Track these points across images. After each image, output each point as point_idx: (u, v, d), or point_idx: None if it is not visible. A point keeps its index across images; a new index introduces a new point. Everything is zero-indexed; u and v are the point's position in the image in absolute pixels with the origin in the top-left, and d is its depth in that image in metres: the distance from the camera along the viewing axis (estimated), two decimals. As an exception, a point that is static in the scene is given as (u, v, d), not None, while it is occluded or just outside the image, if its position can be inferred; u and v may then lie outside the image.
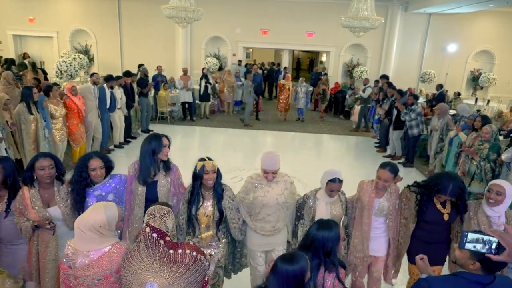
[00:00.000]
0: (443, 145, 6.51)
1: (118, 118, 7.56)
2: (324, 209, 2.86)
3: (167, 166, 2.87)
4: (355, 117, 10.55)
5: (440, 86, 10.26)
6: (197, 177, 2.70)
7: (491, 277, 1.77)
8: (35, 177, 2.61)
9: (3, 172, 2.60)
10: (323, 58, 18.49)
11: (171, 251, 1.90)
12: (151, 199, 2.79)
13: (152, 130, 9.03)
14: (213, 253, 2.82)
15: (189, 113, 10.51)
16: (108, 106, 7.09)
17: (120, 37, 14.22)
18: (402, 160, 7.76)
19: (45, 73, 10.42)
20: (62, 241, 2.53)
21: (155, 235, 1.90)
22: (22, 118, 5.06)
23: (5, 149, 4.66)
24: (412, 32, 13.91)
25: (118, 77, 7.63)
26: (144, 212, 2.75)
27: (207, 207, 2.74)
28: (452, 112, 8.60)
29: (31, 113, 5.19)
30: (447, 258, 3.04)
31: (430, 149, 7.03)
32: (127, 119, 8.00)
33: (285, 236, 3.06)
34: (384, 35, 13.85)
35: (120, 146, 7.76)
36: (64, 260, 1.98)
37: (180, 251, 1.92)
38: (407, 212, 2.95)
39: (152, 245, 1.88)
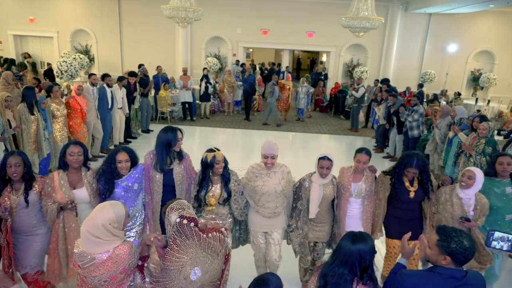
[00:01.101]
0: (442, 146, 6.53)
1: (119, 118, 7.58)
2: (317, 190, 3.19)
3: (180, 155, 3.22)
4: (358, 117, 10.55)
5: (420, 86, 10.30)
6: (209, 166, 3.03)
7: (464, 271, 1.88)
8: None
9: (23, 164, 2.77)
10: (323, 58, 18.49)
11: (204, 235, 2.06)
12: (169, 184, 3.16)
13: (152, 130, 9.05)
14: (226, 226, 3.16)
15: (189, 113, 10.52)
16: (110, 106, 7.09)
17: (121, 37, 14.22)
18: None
19: (51, 74, 10.36)
20: None
21: (192, 224, 2.02)
22: (23, 118, 5.06)
23: (6, 149, 4.65)
24: (412, 32, 13.91)
25: (122, 78, 7.63)
26: (162, 196, 3.14)
27: (216, 189, 3.10)
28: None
29: (32, 114, 5.19)
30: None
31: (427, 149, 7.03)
32: (127, 119, 8.01)
33: (283, 220, 3.36)
34: (384, 35, 13.84)
35: (120, 146, 7.78)
36: (75, 258, 2.01)
37: (210, 235, 2.09)
38: (382, 194, 3.32)
39: (193, 234, 2.00)
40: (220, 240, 2.14)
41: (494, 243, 2.23)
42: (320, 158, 3.16)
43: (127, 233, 3.14)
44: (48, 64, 11.64)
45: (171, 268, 1.97)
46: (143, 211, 3.23)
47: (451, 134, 6.13)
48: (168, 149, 3.10)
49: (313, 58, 23.49)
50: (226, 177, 3.13)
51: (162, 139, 3.08)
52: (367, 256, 1.96)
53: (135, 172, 3.10)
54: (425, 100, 10.44)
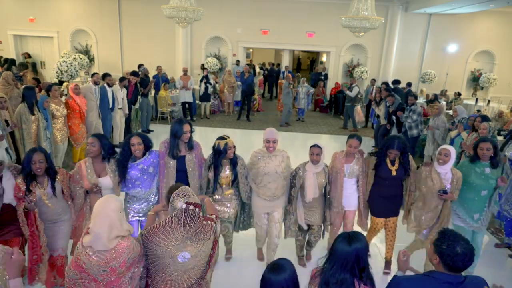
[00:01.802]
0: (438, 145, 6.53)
1: (119, 118, 7.57)
2: (312, 178, 3.54)
3: (191, 145, 3.53)
4: (356, 117, 10.54)
5: (408, 85, 10.34)
6: (222, 152, 3.43)
7: (462, 277, 1.83)
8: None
9: (45, 160, 3.01)
10: (324, 58, 18.48)
11: (204, 222, 2.20)
12: (181, 170, 3.49)
13: (152, 130, 9.04)
14: (226, 209, 3.59)
15: (189, 113, 10.52)
16: (111, 105, 7.10)
17: (121, 37, 14.22)
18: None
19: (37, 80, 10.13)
20: None
21: (197, 209, 2.12)
22: (24, 118, 5.05)
23: (6, 148, 4.64)
24: (413, 32, 13.90)
25: (123, 78, 7.63)
26: (176, 181, 3.39)
27: (226, 171, 3.52)
28: (450, 112, 8.60)
29: (33, 114, 5.18)
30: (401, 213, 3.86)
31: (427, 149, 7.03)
32: (127, 119, 8.01)
33: (283, 202, 3.74)
34: (384, 35, 13.84)
35: (120, 146, 7.77)
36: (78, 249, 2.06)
37: (206, 222, 2.23)
38: (369, 175, 3.72)
39: (195, 219, 2.11)
40: (211, 227, 2.25)
41: None
42: (311, 146, 3.54)
43: (139, 212, 3.51)
44: (41, 63, 11.58)
45: (161, 245, 2.09)
46: (157, 193, 3.53)
47: (453, 133, 6.10)
48: (175, 138, 3.41)
49: (313, 58, 23.48)
50: (234, 161, 3.54)
51: (171, 130, 3.44)
52: (364, 255, 1.95)
53: (150, 156, 3.43)
54: (425, 100, 10.45)
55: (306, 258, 4.04)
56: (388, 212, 3.76)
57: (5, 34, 14.14)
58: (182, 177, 3.46)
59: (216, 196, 3.58)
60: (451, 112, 8.61)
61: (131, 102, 8.21)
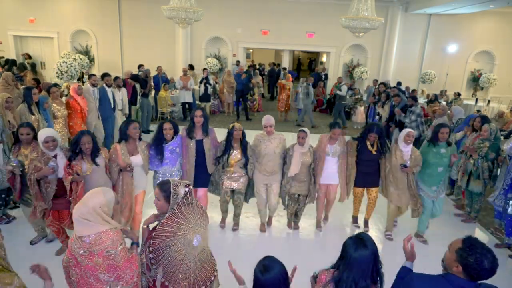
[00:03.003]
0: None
1: (120, 118, 7.57)
2: (297, 156, 4.30)
3: (205, 130, 4.27)
4: (357, 117, 10.53)
5: (398, 84, 10.37)
6: (230, 134, 4.24)
7: (476, 284, 1.80)
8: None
9: (92, 142, 3.59)
10: (324, 58, 18.50)
11: (201, 205, 2.35)
12: (200, 150, 4.25)
13: (152, 131, 9.04)
14: (239, 183, 4.39)
15: (189, 114, 10.50)
16: (112, 106, 7.10)
17: (121, 37, 14.24)
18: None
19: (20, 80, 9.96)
20: (137, 182, 3.99)
21: (193, 195, 2.28)
22: (24, 118, 5.03)
23: (3, 149, 4.63)
24: (413, 33, 13.91)
25: (115, 78, 7.60)
26: (195, 160, 4.22)
27: (236, 154, 4.29)
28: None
29: (33, 114, 5.17)
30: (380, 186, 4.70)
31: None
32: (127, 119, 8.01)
33: (280, 176, 4.49)
34: (384, 36, 13.85)
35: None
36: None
37: (202, 205, 2.37)
38: (351, 154, 4.52)
39: (192, 202, 2.24)
40: (205, 213, 2.37)
41: (510, 209, 3.22)
42: (299, 131, 4.33)
43: None
44: (41, 64, 11.52)
45: (177, 234, 2.15)
46: (180, 170, 4.27)
47: (458, 135, 6.08)
48: (193, 123, 4.18)
49: (313, 58, 23.47)
50: (244, 145, 4.30)
51: (190, 116, 4.28)
52: (378, 255, 1.91)
53: (177, 139, 4.17)
54: (449, 101, 10.40)
55: (294, 227, 4.84)
56: (367, 183, 4.63)
57: (5, 35, 14.16)
58: (201, 156, 4.26)
59: (229, 174, 4.37)
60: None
61: (131, 102, 8.22)
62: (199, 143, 4.23)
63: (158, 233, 2.16)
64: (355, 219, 4.98)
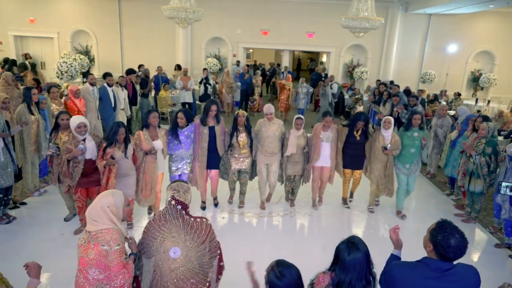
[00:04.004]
0: (442, 146, 6.50)
1: (121, 118, 7.57)
2: (293, 139, 5.00)
3: (218, 119, 4.95)
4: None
5: (391, 82, 10.36)
6: (235, 119, 4.94)
7: (452, 264, 1.91)
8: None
9: (125, 132, 4.12)
10: (324, 58, 18.49)
11: (192, 219, 2.27)
12: (212, 135, 4.89)
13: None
14: (244, 163, 5.07)
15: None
16: (113, 105, 7.09)
17: (121, 38, 14.24)
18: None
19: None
20: (158, 164, 4.60)
21: (179, 207, 2.24)
22: (23, 118, 5.03)
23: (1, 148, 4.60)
24: (413, 33, 13.91)
25: (106, 74, 7.57)
26: (208, 145, 4.86)
27: (242, 136, 4.97)
28: (451, 112, 8.59)
29: (32, 114, 5.17)
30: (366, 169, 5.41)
31: (427, 150, 7.01)
32: (128, 119, 8.00)
33: (279, 157, 5.16)
34: (384, 36, 13.85)
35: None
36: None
37: (198, 219, 2.30)
38: (341, 140, 5.19)
39: (177, 215, 2.23)
40: (206, 226, 2.29)
41: (502, 190, 3.50)
42: (295, 118, 5.01)
43: (182, 167, 4.84)
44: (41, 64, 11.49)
45: (155, 237, 2.20)
46: (192, 155, 4.92)
47: (453, 135, 6.09)
48: (207, 113, 4.79)
49: (314, 58, 23.46)
50: (248, 128, 4.99)
51: (204, 107, 4.89)
52: (369, 255, 2.00)
53: (191, 126, 4.81)
54: (449, 101, 10.41)
55: (290, 205, 5.52)
56: (353, 165, 5.31)
57: (5, 35, 14.16)
58: (213, 141, 4.90)
59: (236, 155, 5.01)
60: (452, 112, 8.60)
61: (131, 102, 8.22)
62: (212, 130, 4.88)
63: (150, 223, 2.26)
64: (344, 201, 5.65)
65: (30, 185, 5.32)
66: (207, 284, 2.32)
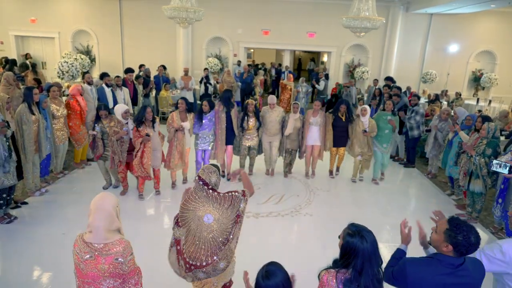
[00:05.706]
0: (441, 148, 6.49)
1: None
2: (292, 122, 6.19)
3: (232, 105, 6.08)
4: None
5: (388, 78, 10.30)
6: (245, 107, 6.16)
7: (462, 259, 1.97)
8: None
9: (152, 112, 5.24)
10: (324, 58, 18.47)
11: (215, 193, 2.62)
12: (228, 119, 6.03)
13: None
14: (253, 141, 6.29)
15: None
16: (112, 106, 7.09)
17: (122, 37, 14.24)
18: (404, 160, 7.76)
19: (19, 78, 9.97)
20: (186, 140, 5.78)
21: (201, 182, 2.63)
22: (24, 118, 5.02)
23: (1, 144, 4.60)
24: (414, 33, 13.89)
25: (103, 75, 7.57)
26: (226, 126, 6.02)
27: (251, 121, 6.13)
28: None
29: (33, 114, 5.17)
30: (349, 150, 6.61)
31: (427, 149, 7.00)
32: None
33: (279, 137, 6.35)
34: (385, 36, 13.83)
35: None
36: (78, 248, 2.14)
37: (221, 193, 2.64)
38: (328, 123, 6.34)
39: (202, 189, 2.62)
40: (233, 198, 2.64)
41: (493, 167, 3.55)
42: (293, 103, 6.28)
43: (203, 145, 5.99)
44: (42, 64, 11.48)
45: (189, 208, 2.62)
46: (214, 133, 6.03)
47: (450, 135, 6.10)
48: (228, 100, 6.01)
49: (313, 58, 23.45)
50: (257, 114, 6.17)
51: (222, 96, 6.10)
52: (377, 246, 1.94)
53: (213, 112, 5.94)
54: (427, 100, 10.38)
55: (284, 176, 6.71)
56: (339, 144, 6.48)
57: (6, 35, 14.17)
58: (229, 122, 6.04)
59: (247, 136, 6.21)
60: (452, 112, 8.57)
61: (133, 102, 8.21)
62: (228, 114, 6.04)
63: (186, 199, 2.67)
64: (330, 172, 6.87)
65: (31, 185, 5.33)
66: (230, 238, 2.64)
